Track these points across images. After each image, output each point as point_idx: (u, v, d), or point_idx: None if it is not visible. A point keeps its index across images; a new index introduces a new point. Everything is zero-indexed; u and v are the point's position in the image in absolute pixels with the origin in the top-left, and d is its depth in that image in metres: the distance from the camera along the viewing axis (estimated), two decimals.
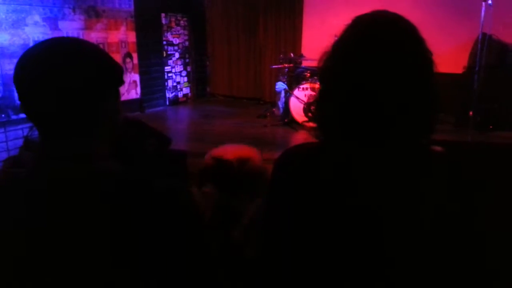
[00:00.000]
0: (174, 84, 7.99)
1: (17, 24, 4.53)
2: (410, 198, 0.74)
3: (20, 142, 4.23)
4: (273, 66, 6.74)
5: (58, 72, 0.70)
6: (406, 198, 0.74)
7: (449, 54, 5.20)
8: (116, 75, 0.79)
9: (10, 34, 4.44)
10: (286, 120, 6.14)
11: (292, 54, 6.64)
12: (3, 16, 4.38)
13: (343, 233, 0.75)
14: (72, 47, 0.75)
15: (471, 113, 5.28)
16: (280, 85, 6.31)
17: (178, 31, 7.95)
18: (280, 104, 6.43)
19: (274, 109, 6.73)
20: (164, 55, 7.60)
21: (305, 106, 5.95)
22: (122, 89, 6.56)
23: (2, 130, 4.18)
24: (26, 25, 4.65)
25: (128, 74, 6.64)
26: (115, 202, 0.71)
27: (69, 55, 0.72)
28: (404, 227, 0.73)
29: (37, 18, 4.78)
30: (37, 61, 0.71)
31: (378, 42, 0.74)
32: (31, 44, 4.70)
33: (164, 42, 7.58)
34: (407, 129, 0.75)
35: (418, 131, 0.76)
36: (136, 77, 6.82)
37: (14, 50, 4.38)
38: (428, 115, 0.76)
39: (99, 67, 0.75)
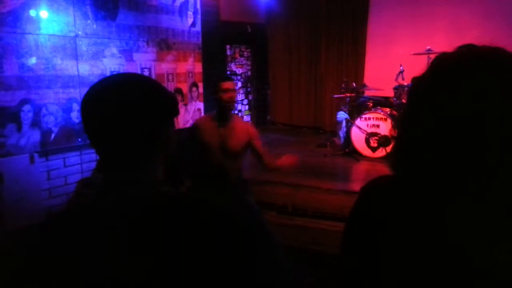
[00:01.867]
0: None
1: (96, 55, 4.94)
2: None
3: (93, 164, 4.54)
4: (335, 96, 6.71)
5: (118, 105, 0.76)
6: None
7: None
8: (171, 106, 0.84)
9: (90, 65, 4.84)
10: (347, 150, 6.03)
11: (354, 84, 6.57)
12: (85, 49, 4.80)
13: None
14: (133, 82, 0.81)
15: None
16: (342, 115, 6.24)
17: (242, 61, 8.22)
18: (341, 133, 6.35)
19: (334, 139, 6.65)
20: None
21: (367, 136, 5.82)
22: (188, 117, 6.86)
23: (78, 153, 4.51)
24: (104, 56, 5.05)
25: (194, 102, 6.93)
26: (184, 226, 0.73)
27: (129, 89, 0.78)
28: None
29: (114, 50, 5.19)
30: (99, 93, 0.78)
31: (470, 90, 0.66)
32: (108, 74, 5.08)
33: (228, 72, 7.86)
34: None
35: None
36: (200, 105, 7.10)
37: (93, 79, 4.76)
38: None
39: (157, 100, 0.80)
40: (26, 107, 4.19)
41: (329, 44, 7.82)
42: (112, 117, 0.75)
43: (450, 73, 0.70)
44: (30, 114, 4.21)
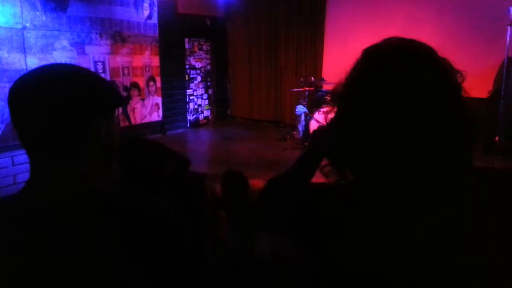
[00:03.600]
0: (196, 106, 8.09)
1: (45, 48, 4.71)
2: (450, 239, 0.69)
3: None
4: (294, 90, 6.77)
5: (44, 94, 0.72)
6: (444, 238, 0.70)
7: (473, 79, 5.11)
8: (106, 98, 0.80)
9: (39, 58, 4.60)
10: (306, 144, 6.12)
11: (312, 78, 6.66)
12: (33, 41, 4.56)
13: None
14: (61, 71, 0.78)
15: (497, 138, 5.15)
16: (300, 108, 6.32)
17: (201, 55, 8.11)
18: (300, 127, 6.42)
19: (294, 132, 6.72)
20: (186, 78, 7.74)
21: None
22: (145, 112, 6.69)
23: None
24: (54, 49, 4.82)
25: (151, 96, 6.77)
26: (95, 221, 0.72)
27: (57, 78, 0.75)
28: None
29: (65, 43, 4.95)
30: (27, 84, 0.75)
31: (398, 73, 0.69)
32: None
33: (187, 66, 7.74)
34: (440, 162, 0.69)
35: (453, 163, 0.70)
36: (158, 99, 6.95)
37: None
38: (461, 145, 0.70)
39: (89, 90, 0.76)
40: None
41: (288, 39, 7.88)
42: (39, 109, 0.72)
43: (378, 67, 0.73)
44: None
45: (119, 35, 5.83)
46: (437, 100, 0.68)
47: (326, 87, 6.70)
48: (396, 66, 0.70)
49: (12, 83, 0.76)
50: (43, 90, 0.73)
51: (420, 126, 0.68)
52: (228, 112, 8.92)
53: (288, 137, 6.68)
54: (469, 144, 0.72)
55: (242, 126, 8.17)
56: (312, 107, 6.28)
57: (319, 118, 5.97)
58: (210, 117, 8.52)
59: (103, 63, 5.60)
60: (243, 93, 8.61)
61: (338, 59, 7.16)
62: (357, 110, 0.72)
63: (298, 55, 7.85)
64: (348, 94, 0.74)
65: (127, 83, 6.21)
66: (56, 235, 0.71)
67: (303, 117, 6.34)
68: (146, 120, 6.73)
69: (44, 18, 4.67)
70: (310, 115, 6.09)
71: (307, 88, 6.44)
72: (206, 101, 8.39)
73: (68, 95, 0.74)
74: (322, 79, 6.87)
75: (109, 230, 0.71)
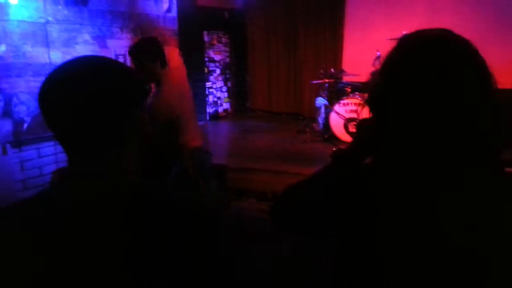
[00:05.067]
0: (215, 99, 8.12)
1: (68, 42, 4.79)
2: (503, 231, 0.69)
3: None
4: (313, 82, 6.72)
5: (78, 89, 0.71)
6: (498, 231, 0.69)
7: (501, 69, 4.98)
8: (139, 88, 0.79)
9: (62, 52, 4.68)
10: (326, 136, 6.07)
11: (332, 70, 6.59)
12: (56, 36, 4.64)
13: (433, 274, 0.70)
14: (93, 65, 0.76)
15: None
16: (320, 101, 6.26)
17: (220, 48, 8.12)
18: (320, 119, 6.38)
19: (314, 125, 6.67)
20: (206, 71, 7.77)
21: (345, 122, 5.86)
22: None
23: (52, 143, 4.39)
24: (76, 43, 4.89)
25: None
26: (132, 219, 0.71)
27: (90, 73, 0.73)
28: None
29: (87, 37, 5.03)
30: (59, 80, 0.73)
31: (433, 67, 0.70)
32: None
33: (206, 59, 7.76)
34: (480, 155, 0.70)
35: (490, 155, 0.71)
36: None
37: None
38: (496, 137, 0.71)
39: (125, 83, 0.75)
40: None
41: (308, 30, 7.80)
42: (76, 103, 0.70)
43: (416, 52, 0.74)
44: (1, 104, 4.06)
45: (139, 28, 5.88)
46: (475, 91, 0.69)
47: (347, 78, 6.62)
48: (435, 55, 0.71)
49: (36, 77, 0.75)
50: (79, 81, 0.71)
51: (458, 113, 0.69)
52: (247, 104, 8.91)
53: (308, 129, 6.64)
54: (505, 137, 0.72)
55: (261, 119, 8.16)
56: (332, 99, 6.22)
57: (340, 110, 5.91)
58: (229, 109, 8.54)
59: (124, 56, 5.67)
60: (262, 86, 8.59)
61: (358, 50, 7.06)
62: (398, 97, 0.73)
63: (318, 47, 7.77)
64: (387, 82, 0.75)
65: None
66: (94, 228, 0.70)
67: (323, 109, 6.29)
68: None
69: (66, 12, 4.75)
70: (330, 107, 6.03)
71: (326, 80, 6.37)
72: (226, 94, 8.41)
73: (104, 85, 0.72)
74: (342, 71, 6.78)
75: (145, 224, 0.71)
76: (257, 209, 4.08)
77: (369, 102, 0.79)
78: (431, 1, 6.38)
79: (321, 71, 6.59)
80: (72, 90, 0.71)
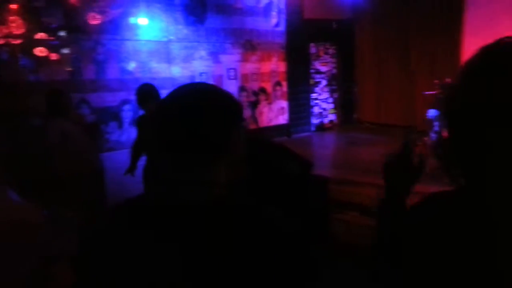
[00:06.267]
0: (320, 110, 8.12)
1: (186, 58, 5.24)
2: None
3: None
4: (426, 93, 6.32)
5: (190, 112, 0.81)
6: None
7: None
8: (239, 112, 0.88)
9: (181, 67, 5.15)
10: (437, 151, 5.66)
11: (448, 79, 6.13)
12: (177, 53, 5.12)
13: None
14: (205, 87, 0.88)
15: None
16: (433, 113, 5.87)
17: (326, 59, 8.12)
18: (432, 133, 5.97)
19: (425, 138, 6.27)
20: (311, 82, 7.82)
21: None
22: (271, 115, 6.96)
23: None
24: (193, 59, 5.33)
25: (277, 101, 7.02)
26: (225, 232, 0.76)
27: (204, 92, 0.85)
28: None
29: (202, 53, 5.45)
30: (173, 103, 0.85)
31: None
32: (197, 75, 5.37)
33: (312, 71, 7.82)
34: None
35: None
36: (284, 103, 7.16)
37: (183, 81, 5.05)
38: None
39: (227, 107, 0.85)
40: (126, 107, 4.60)
41: (420, 39, 7.36)
42: (188, 124, 0.80)
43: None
44: (130, 113, 4.60)
45: (249, 43, 6.18)
46: None
47: None
48: None
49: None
50: (194, 112, 0.81)
51: None
52: (354, 116, 8.72)
53: (420, 143, 6.26)
54: None
55: (369, 131, 7.91)
56: None
57: None
58: (335, 120, 8.45)
59: (235, 70, 6.00)
60: (371, 97, 8.33)
61: None
62: (482, 109, 0.68)
63: (432, 56, 7.30)
64: (471, 94, 0.71)
65: (255, 88, 6.54)
66: (176, 239, 0.76)
67: (436, 122, 5.89)
68: (273, 123, 7.00)
69: (185, 31, 5.22)
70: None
71: (441, 91, 5.95)
72: (331, 105, 8.35)
73: (215, 108, 0.83)
74: None
75: (226, 238, 0.76)
76: (360, 224, 3.96)
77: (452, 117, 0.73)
78: None
79: (436, 81, 6.18)
80: (191, 105, 0.82)
